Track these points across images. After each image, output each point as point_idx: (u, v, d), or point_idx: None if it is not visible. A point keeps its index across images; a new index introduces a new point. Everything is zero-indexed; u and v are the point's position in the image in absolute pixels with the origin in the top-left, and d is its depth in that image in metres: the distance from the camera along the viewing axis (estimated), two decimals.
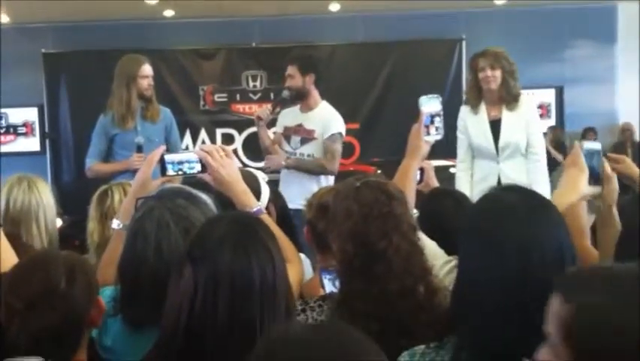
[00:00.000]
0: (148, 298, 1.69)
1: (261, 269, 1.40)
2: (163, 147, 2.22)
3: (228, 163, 2.11)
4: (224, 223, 1.50)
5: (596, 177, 2.12)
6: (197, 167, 2.15)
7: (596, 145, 2.17)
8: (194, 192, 1.94)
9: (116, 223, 2.12)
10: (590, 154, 2.15)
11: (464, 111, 4.36)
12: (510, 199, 1.67)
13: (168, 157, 2.17)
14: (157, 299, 1.56)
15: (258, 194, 2.79)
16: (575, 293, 1.10)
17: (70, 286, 1.64)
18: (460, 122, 4.40)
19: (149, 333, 1.61)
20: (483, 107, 4.26)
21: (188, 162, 2.17)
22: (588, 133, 8.39)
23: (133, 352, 1.69)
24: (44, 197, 2.76)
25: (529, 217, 1.37)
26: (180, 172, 2.18)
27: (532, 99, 4.48)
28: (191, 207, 1.82)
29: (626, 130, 8.54)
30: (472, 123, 4.28)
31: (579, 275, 1.18)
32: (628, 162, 2.53)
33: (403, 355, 1.45)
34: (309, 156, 4.59)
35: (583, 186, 2.08)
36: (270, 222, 2.08)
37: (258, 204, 2.11)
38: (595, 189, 2.11)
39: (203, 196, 1.95)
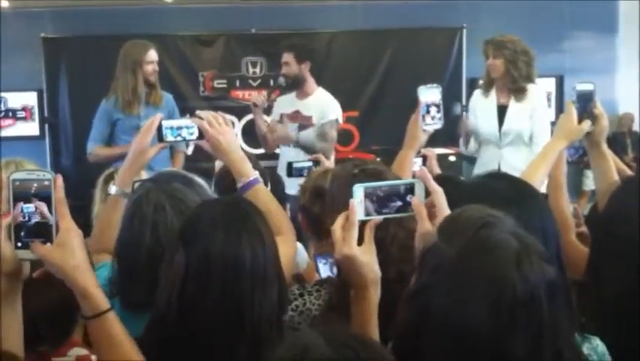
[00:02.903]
0: (145, 279, 1.71)
1: (253, 251, 1.42)
2: (161, 115, 2.20)
3: (227, 131, 2.09)
4: (217, 206, 1.52)
5: (589, 115, 2.22)
6: (196, 132, 2.12)
7: (588, 86, 2.26)
8: (190, 175, 1.96)
9: (113, 189, 2.12)
10: (582, 94, 2.24)
11: (476, 94, 4.48)
12: (496, 187, 1.69)
13: (166, 123, 2.14)
14: (153, 281, 1.58)
15: (265, 183, 2.82)
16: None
17: None
18: (471, 105, 4.46)
19: (147, 315, 1.63)
20: (493, 92, 4.34)
21: (187, 127, 2.14)
22: None
23: (132, 333, 1.70)
24: None
25: (513, 205, 1.39)
26: (179, 137, 2.15)
27: (541, 89, 4.51)
28: (188, 190, 1.84)
29: (626, 120, 8.55)
30: (481, 107, 4.37)
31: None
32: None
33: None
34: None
35: (572, 134, 2.25)
36: (266, 193, 2.08)
37: (255, 173, 2.10)
38: (587, 127, 2.24)
39: (200, 180, 1.96)
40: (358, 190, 1.50)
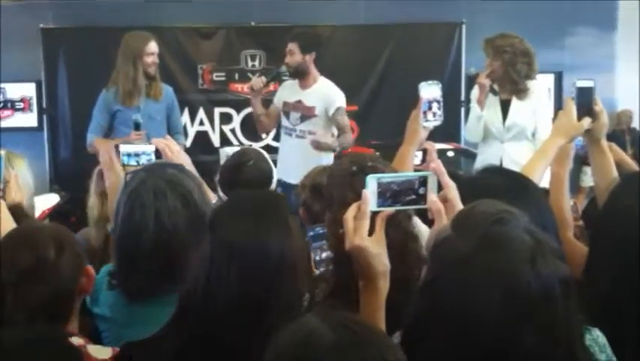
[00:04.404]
0: (149, 267, 1.70)
1: (278, 245, 1.40)
2: (112, 142, 2.29)
3: (184, 157, 2.18)
4: (248, 197, 1.51)
5: (588, 112, 2.22)
6: (153, 158, 2.20)
7: (588, 83, 2.26)
8: (180, 163, 1.98)
9: (110, 228, 2.15)
10: (582, 91, 2.24)
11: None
12: (494, 181, 1.69)
13: (124, 148, 2.20)
14: (159, 268, 1.58)
15: (270, 178, 2.83)
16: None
17: (59, 257, 1.67)
18: (472, 96, 4.47)
19: (149, 303, 1.62)
20: (496, 87, 4.39)
21: (145, 153, 2.21)
22: None
23: (133, 322, 1.71)
24: (19, 173, 2.77)
25: (511, 199, 1.39)
26: (135, 163, 2.22)
27: (542, 85, 4.52)
28: (183, 175, 1.84)
29: (625, 117, 8.55)
30: (488, 100, 4.34)
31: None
32: (614, 149, 2.58)
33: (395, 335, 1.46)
34: (310, 133, 4.59)
35: (571, 131, 2.25)
36: None
37: (214, 196, 2.17)
38: (587, 125, 2.24)
39: (188, 168, 1.99)
40: (371, 181, 1.50)
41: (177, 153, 2.21)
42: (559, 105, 8.34)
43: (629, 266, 1.68)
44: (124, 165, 2.22)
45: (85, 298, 1.84)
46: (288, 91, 4.78)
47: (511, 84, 4.22)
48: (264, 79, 4.67)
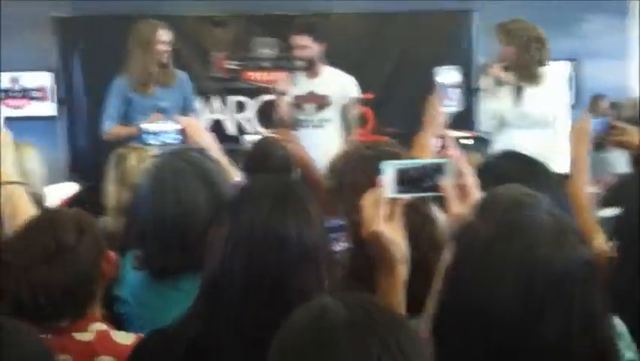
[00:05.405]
0: (169, 246, 1.73)
1: (299, 231, 1.39)
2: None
3: (207, 135, 2.19)
4: (268, 181, 1.51)
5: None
6: (176, 137, 2.23)
7: (614, 211, 2.15)
8: (202, 148, 2.01)
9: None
10: (607, 221, 2.14)
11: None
12: (508, 167, 1.70)
13: (145, 126, 2.23)
14: (178, 247, 1.60)
15: (287, 162, 2.87)
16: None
17: (80, 241, 1.70)
18: (484, 86, 4.45)
19: (170, 284, 1.65)
20: (511, 74, 4.32)
21: (166, 132, 2.25)
22: (598, 101, 8.25)
23: (153, 303, 1.73)
24: (28, 163, 2.80)
25: (524, 184, 1.40)
26: (159, 142, 2.25)
27: (556, 71, 4.49)
28: (204, 158, 1.86)
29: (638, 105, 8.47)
30: (500, 89, 4.31)
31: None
32: (629, 132, 2.52)
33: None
34: (326, 121, 4.59)
35: None
36: None
37: (238, 175, 2.18)
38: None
39: (214, 147, 2.02)
40: (388, 168, 1.48)
41: (200, 132, 2.22)
42: (577, 94, 8.27)
43: None
44: (146, 144, 2.25)
45: (111, 285, 1.87)
46: (296, 85, 4.77)
47: (524, 70, 4.20)
48: (287, 80, 4.67)
